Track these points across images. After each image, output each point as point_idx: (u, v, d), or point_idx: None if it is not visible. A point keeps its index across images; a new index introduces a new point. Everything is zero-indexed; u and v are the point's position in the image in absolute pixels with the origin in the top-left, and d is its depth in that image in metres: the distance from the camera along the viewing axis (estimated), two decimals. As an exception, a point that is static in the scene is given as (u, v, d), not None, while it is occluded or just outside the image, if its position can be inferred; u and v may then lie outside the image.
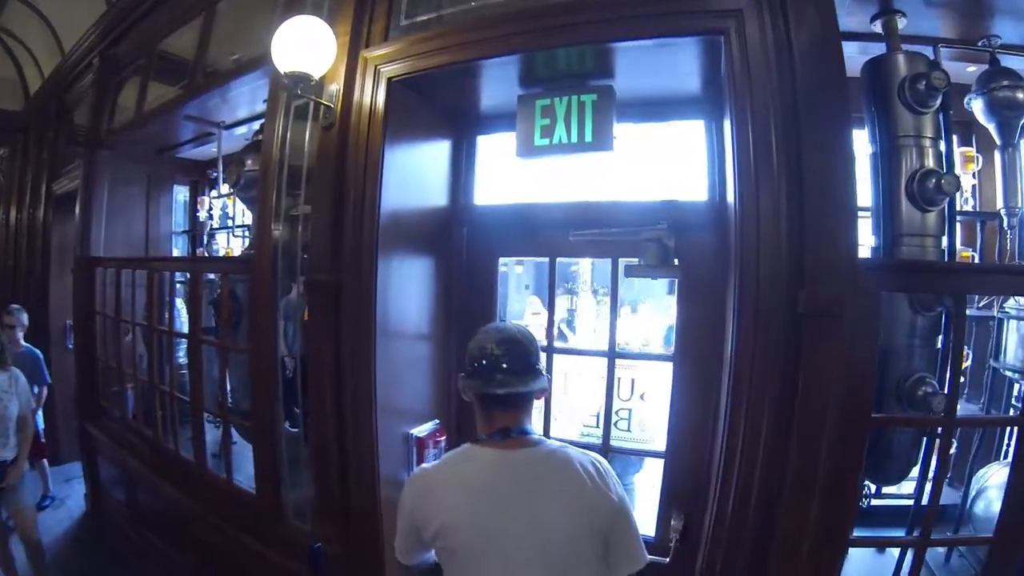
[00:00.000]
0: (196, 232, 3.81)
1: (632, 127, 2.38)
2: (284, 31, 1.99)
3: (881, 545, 2.00)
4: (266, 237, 2.39)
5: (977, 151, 2.87)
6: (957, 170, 2.12)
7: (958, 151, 2.61)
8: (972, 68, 2.42)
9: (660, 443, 2.64)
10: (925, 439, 2.05)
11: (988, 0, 2.12)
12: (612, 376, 2.51)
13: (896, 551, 2.00)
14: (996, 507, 2.19)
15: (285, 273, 2.39)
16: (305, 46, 2.00)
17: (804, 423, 1.63)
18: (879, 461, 1.95)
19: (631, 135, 2.35)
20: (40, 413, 4.09)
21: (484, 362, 1.41)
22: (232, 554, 2.70)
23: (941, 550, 2.34)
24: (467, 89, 2.34)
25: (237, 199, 3.53)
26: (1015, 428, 2.30)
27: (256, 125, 3.11)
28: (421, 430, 2.38)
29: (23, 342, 4.00)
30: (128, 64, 3.89)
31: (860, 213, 1.73)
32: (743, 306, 1.68)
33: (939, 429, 1.99)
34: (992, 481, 2.35)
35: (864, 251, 1.89)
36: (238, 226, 3.63)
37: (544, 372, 1.48)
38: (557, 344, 2.84)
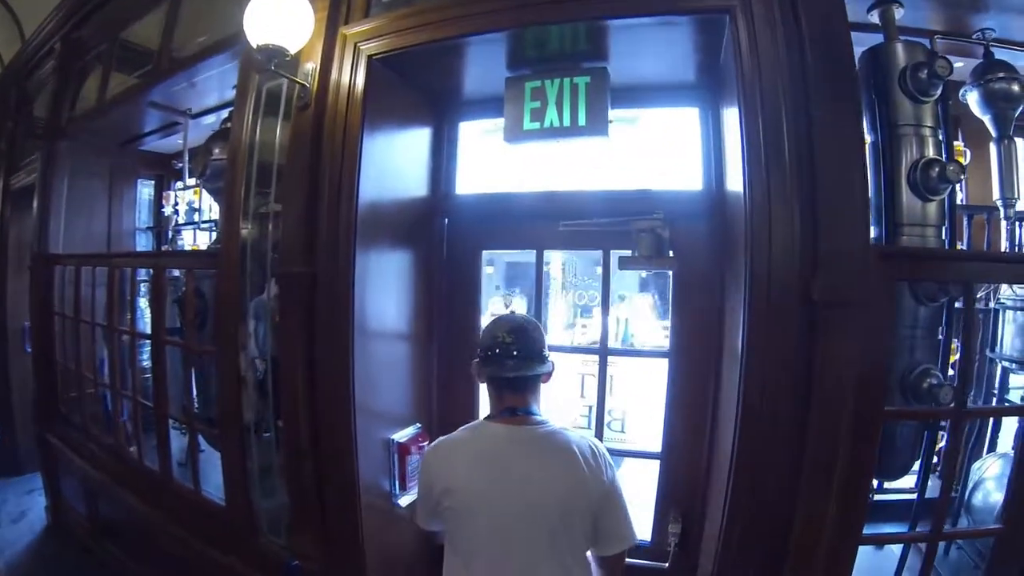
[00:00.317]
0: (161, 228, 3.52)
1: (624, 113, 2.22)
2: (258, 0, 1.77)
3: (894, 541, 1.90)
4: (234, 228, 2.16)
5: (965, 146, 2.81)
6: (951, 161, 2.04)
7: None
8: (960, 64, 2.36)
9: (641, 443, 2.51)
10: (927, 432, 1.97)
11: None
12: (604, 374, 2.36)
13: (894, 546, 1.93)
14: (994, 498, 2.17)
15: (255, 272, 2.16)
16: (280, 17, 1.78)
17: (821, 417, 1.51)
18: (882, 456, 1.81)
19: (623, 122, 2.19)
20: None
21: (497, 350, 1.51)
22: (200, 569, 2.45)
23: (940, 543, 2.27)
24: (451, 70, 2.15)
25: (204, 192, 3.26)
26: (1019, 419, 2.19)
27: (225, 113, 2.85)
28: (402, 435, 2.17)
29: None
30: (91, 49, 3.59)
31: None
32: (755, 297, 1.53)
33: (942, 422, 1.91)
34: (989, 473, 2.30)
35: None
36: (205, 222, 3.34)
37: (549, 358, 1.57)
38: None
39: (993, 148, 2.29)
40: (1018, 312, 2.24)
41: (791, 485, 1.54)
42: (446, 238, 2.45)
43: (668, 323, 2.31)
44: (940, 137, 1.90)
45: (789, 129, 1.54)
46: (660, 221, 2.15)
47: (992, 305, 2.33)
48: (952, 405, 1.66)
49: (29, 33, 4.31)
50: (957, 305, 1.88)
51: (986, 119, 2.25)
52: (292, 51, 1.82)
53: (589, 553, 1.51)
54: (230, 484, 2.31)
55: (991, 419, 2.57)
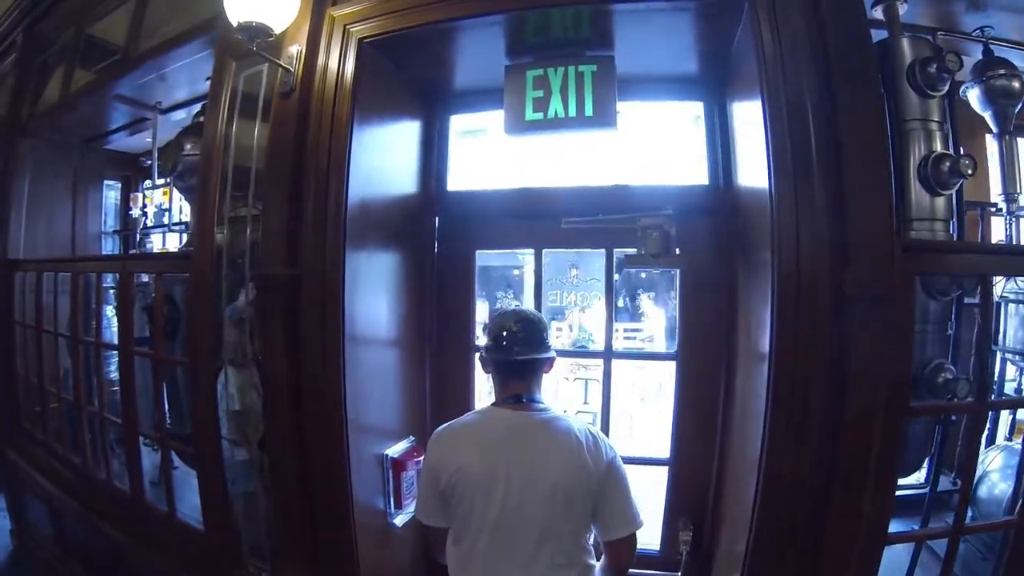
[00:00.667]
0: (128, 231, 3.21)
1: (625, 106, 2.07)
2: (239, -27, 1.55)
3: (917, 539, 1.80)
4: (207, 227, 1.92)
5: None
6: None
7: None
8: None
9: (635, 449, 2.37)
10: (938, 427, 1.90)
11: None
12: (609, 378, 2.19)
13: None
14: (999, 489, 2.10)
15: (231, 277, 1.92)
16: (264, -7, 1.56)
17: (856, 414, 1.40)
18: (896, 452, 1.76)
19: (626, 115, 2.03)
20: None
21: (505, 338, 1.55)
22: (177, 599, 2.19)
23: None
24: (446, 58, 1.96)
25: (174, 192, 2.98)
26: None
27: (197, 108, 2.60)
28: (396, 450, 1.96)
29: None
30: (54, 42, 3.27)
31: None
32: (784, 293, 1.40)
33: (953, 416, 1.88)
34: (993, 465, 2.24)
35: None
36: (176, 224, 3.04)
37: (552, 347, 1.60)
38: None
39: (994, 144, 2.24)
40: (1020, 305, 2.18)
41: (823, 486, 1.42)
42: (438, 238, 2.25)
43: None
44: (947, 132, 1.85)
45: (815, 120, 1.44)
46: (667, 217, 2.00)
47: (994, 299, 2.28)
48: (969, 399, 1.59)
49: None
50: (966, 300, 1.79)
51: (987, 115, 2.19)
52: (276, 29, 1.60)
53: (595, 539, 1.51)
54: (208, 506, 2.06)
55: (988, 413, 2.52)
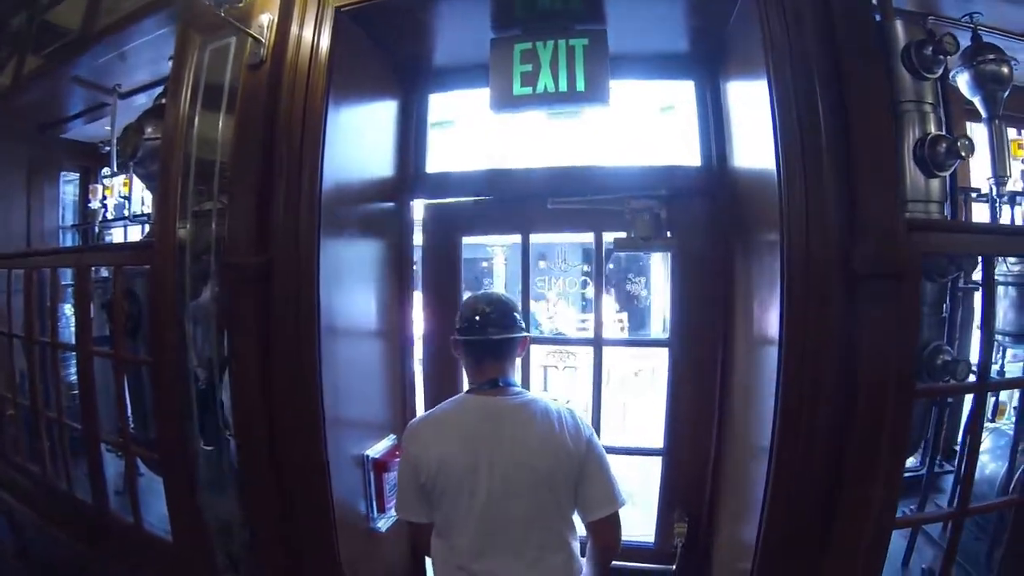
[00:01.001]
0: (88, 225, 2.95)
1: (615, 84, 1.94)
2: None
3: (923, 522, 1.74)
4: (169, 215, 1.72)
5: (946, 130, 2.75)
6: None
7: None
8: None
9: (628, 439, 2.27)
10: (934, 409, 1.91)
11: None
12: (600, 366, 2.07)
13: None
14: (990, 470, 2.03)
15: (195, 274, 1.73)
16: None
17: (868, 397, 1.32)
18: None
19: (616, 93, 1.91)
20: None
21: (478, 320, 1.49)
22: (146, 614, 1.99)
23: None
24: (426, 31, 1.81)
25: (136, 182, 2.73)
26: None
27: (160, 90, 2.37)
28: (377, 449, 1.79)
29: None
30: (4, 26, 2.98)
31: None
32: (794, 275, 1.30)
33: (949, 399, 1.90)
34: (982, 446, 2.20)
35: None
36: (136, 216, 2.79)
37: (524, 327, 1.57)
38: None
39: (978, 131, 2.20)
40: (1010, 287, 2.14)
41: (834, 470, 1.34)
42: (427, 225, 2.09)
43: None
44: (940, 115, 1.79)
45: (823, 99, 1.36)
46: (657, 200, 1.90)
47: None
48: (968, 381, 1.52)
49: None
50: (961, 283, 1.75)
51: (976, 100, 2.15)
52: (244, -3, 1.42)
53: (579, 521, 1.47)
54: (176, 515, 1.86)
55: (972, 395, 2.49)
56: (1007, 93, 2.12)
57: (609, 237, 2.03)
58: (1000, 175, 2.16)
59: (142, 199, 2.80)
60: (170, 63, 1.95)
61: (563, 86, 1.66)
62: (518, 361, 1.56)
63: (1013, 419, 2.24)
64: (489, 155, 2.12)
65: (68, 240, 3.23)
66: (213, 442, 1.77)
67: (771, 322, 1.38)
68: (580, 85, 1.65)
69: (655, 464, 2.08)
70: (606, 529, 1.45)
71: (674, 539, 1.99)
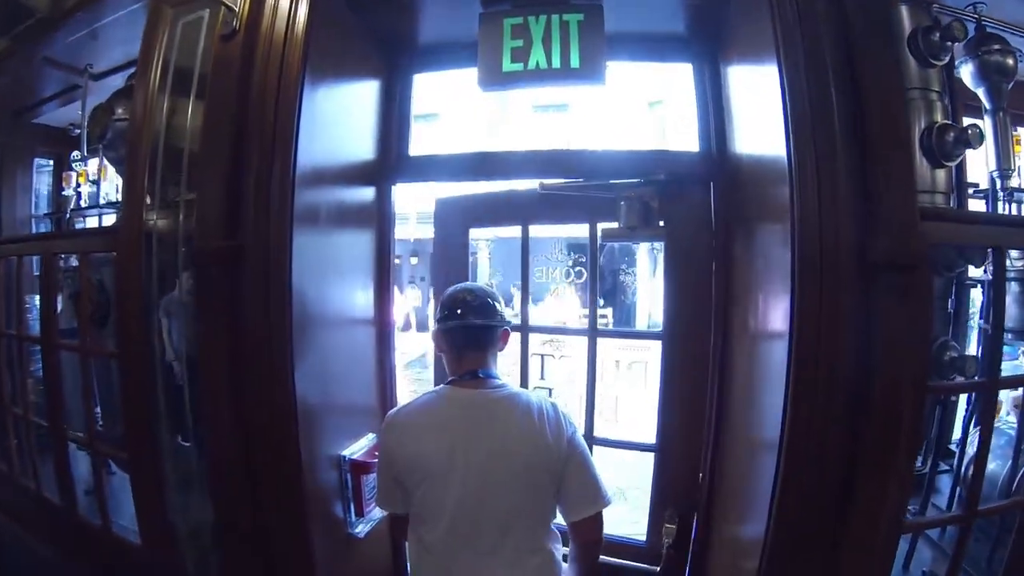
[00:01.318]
0: (61, 214, 2.78)
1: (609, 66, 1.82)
2: None
3: (934, 525, 1.66)
4: (137, 197, 1.58)
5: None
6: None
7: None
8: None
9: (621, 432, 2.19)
10: (939, 407, 1.84)
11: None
12: (594, 358, 1.97)
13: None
14: (990, 468, 1.92)
15: (166, 266, 1.58)
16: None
17: (883, 395, 1.21)
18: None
19: (610, 75, 1.79)
20: None
21: (460, 309, 1.45)
22: (113, 622, 1.85)
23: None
24: (412, 4, 1.66)
25: (111, 169, 2.56)
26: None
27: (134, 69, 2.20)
28: (355, 450, 1.64)
29: None
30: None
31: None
32: (806, 267, 1.20)
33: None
34: None
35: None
36: (111, 204, 2.61)
37: (506, 319, 1.51)
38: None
39: (987, 121, 2.10)
40: (1014, 282, 2.05)
41: (846, 470, 1.24)
42: (441, 219, 2.01)
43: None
44: (946, 104, 1.69)
45: (836, 82, 1.26)
46: (650, 188, 1.78)
47: (988, 276, 2.14)
48: (977, 378, 1.45)
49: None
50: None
51: (980, 91, 2.05)
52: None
53: (562, 522, 1.41)
54: (144, 518, 1.72)
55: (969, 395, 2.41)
56: (1011, 84, 2.05)
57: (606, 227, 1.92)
58: (1004, 168, 2.06)
59: (116, 186, 2.63)
60: (144, 41, 1.80)
61: (556, 62, 1.53)
62: (500, 354, 1.50)
63: (1015, 418, 2.15)
64: (476, 142, 1.98)
65: (42, 229, 3.05)
66: (190, 438, 1.64)
67: (778, 314, 1.27)
68: (574, 62, 1.52)
69: (649, 459, 1.98)
70: (590, 529, 1.38)
71: (663, 538, 1.89)
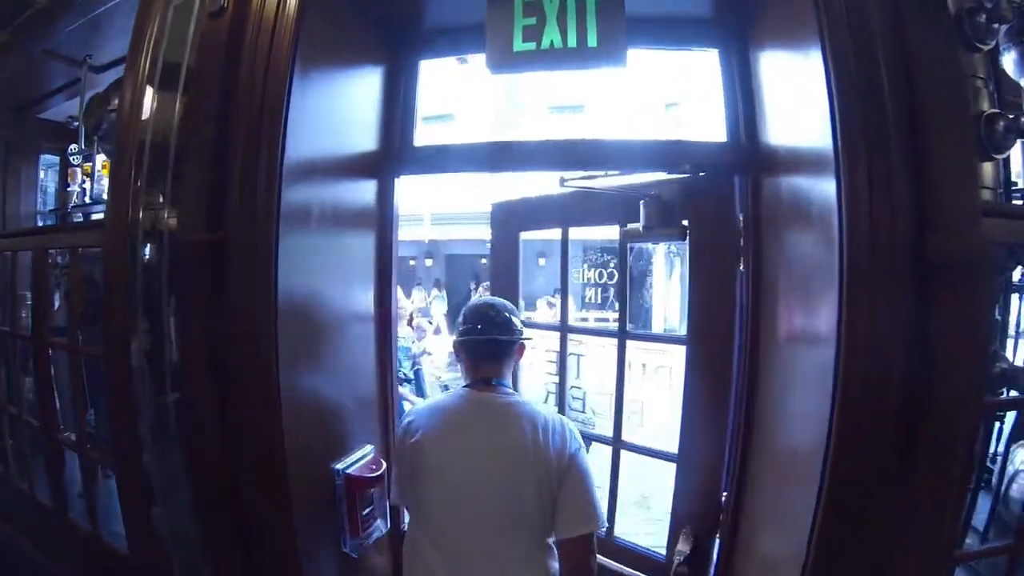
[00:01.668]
0: (64, 210, 2.70)
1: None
2: None
3: (984, 555, 1.48)
4: (123, 191, 1.46)
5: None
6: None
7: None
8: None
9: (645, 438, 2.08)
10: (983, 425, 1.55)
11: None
12: (623, 361, 1.90)
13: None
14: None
15: (151, 260, 1.46)
16: None
17: (938, 412, 1.05)
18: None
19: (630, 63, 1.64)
20: None
21: (480, 324, 1.49)
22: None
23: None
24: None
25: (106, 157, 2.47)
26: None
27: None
28: (350, 463, 1.48)
29: None
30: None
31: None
32: (856, 267, 1.04)
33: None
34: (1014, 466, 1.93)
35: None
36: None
37: (523, 332, 1.55)
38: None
39: None
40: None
41: (896, 491, 1.08)
42: (497, 223, 2.04)
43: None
44: (992, 91, 1.54)
45: (888, 68, 1.12)
46: (671, 187, 1.64)
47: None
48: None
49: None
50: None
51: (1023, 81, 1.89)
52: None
53: (552, 541, 1.38)
54: (131, 525, 1.60)
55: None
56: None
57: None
58: (1046, 159, 1.89)
59: (117, 180, 2.54)
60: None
61: (572, 41, 1.38)
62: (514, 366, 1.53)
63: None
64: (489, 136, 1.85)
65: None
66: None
67: (820, 318, 1.12)
68: (592, 41, 1.38)
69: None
70: (577, 551, 1.33)
71: (675, 556, 1.74)
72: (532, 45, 1.39)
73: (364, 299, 1.64)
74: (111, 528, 1.84)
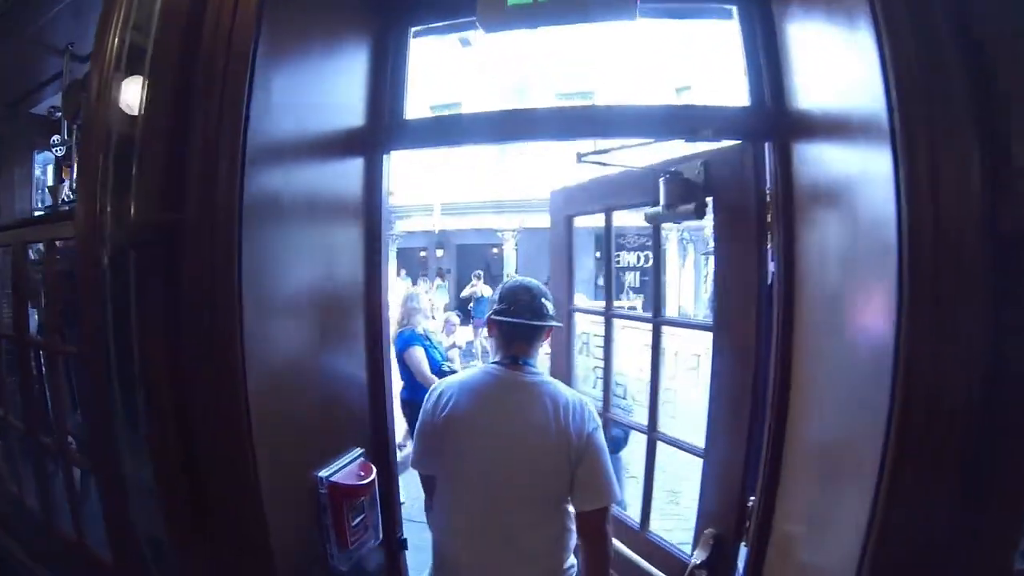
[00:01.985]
0: (56, 205, 2.59)
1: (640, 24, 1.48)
2: None
3: None
4: (92, 180, 1.32)
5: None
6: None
7: None
8: None
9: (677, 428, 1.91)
10: None
11: None
12: (658, 347, 1.79)
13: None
14: None
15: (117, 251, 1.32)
16: None
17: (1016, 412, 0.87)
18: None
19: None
20: None
21: (515, 306, 1.54)
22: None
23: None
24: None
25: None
26: None
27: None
28: (335, 469, 1.31)
29: None
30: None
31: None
32: (916, 245, 0.85)
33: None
34: None
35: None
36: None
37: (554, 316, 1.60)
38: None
39: None
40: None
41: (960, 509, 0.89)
42: (554, 209, 2.03)
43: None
44: None
45: (946, 18, 0.93)
46: (692, 163, 1.47)
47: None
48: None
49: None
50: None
51: None
52: None
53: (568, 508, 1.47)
54: (113, 534, 1.49)
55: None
56: None
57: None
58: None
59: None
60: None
61: (574, -10, 1.20)
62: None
63: None
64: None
65: (42, 222, 2.87)
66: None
67: (870, 306, 0.94)
68: (596, -12, 1.20)
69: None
70: (594, 522, 1.42)
71: (693, 559, 1.58)
72: (529, -1, 1.21)
73: (350, 290, 1.49)
74: (96, 534, 1.74)
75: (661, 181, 1.59)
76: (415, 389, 3.63)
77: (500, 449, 1.40)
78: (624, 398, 2.29)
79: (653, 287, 1.85)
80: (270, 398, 1.10)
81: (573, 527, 1.46)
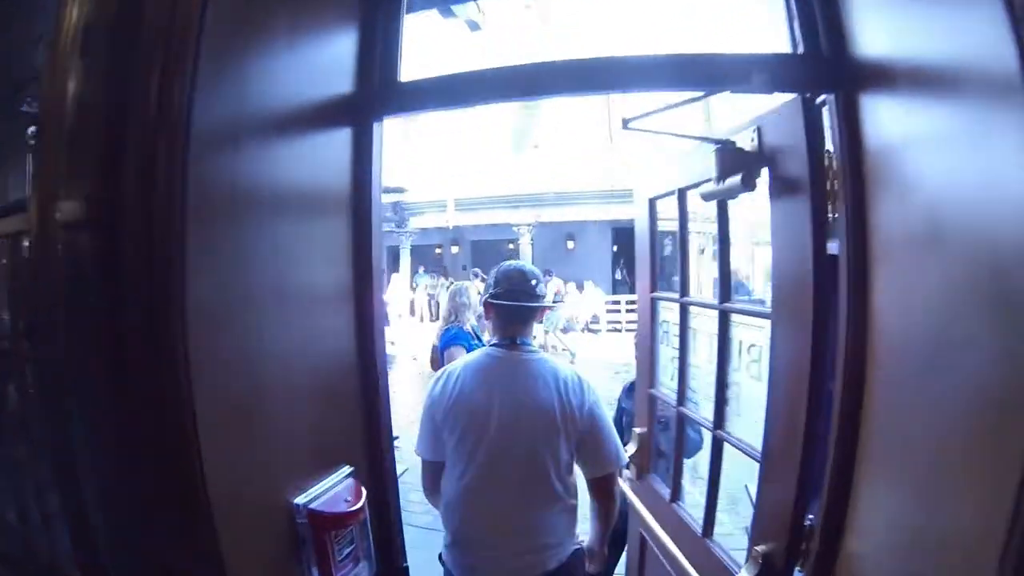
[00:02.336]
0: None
1: None
2: None
3: None
4: (50, 171, 1.14)
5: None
6: None
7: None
8: None
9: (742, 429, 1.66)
10: None
11: None
12: (725, 335, 1.59)
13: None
14: None
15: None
16: None
17: None
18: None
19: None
20: None
21: (511, 288, 1.60)
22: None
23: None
24: None
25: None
26: None
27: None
28: (316, 494, 1.09)
29: None
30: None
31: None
32: None
33: None
34: None
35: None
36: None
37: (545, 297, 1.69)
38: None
39: None
40: None
41: None
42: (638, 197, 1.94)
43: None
44: None
45: None
46: (745, 131, 1.24)
47: None
48: None
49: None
50: None
51: None
52: None
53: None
54: (78, 550, 1.32)
55: None
56: None
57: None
58: None
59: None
60: None
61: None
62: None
63: None
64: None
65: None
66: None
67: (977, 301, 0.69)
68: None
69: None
70: (603, 486, 1.57)
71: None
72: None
73: (335, 285, 1.28)
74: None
75: (714, 152, 1.36)
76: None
77: (509, 426, 1.46)
78: (696, 391, 2.04)
79: (720, 272, 1.62)
80: (230, 418, 0.89)
81: (576, 501, 1.56)
